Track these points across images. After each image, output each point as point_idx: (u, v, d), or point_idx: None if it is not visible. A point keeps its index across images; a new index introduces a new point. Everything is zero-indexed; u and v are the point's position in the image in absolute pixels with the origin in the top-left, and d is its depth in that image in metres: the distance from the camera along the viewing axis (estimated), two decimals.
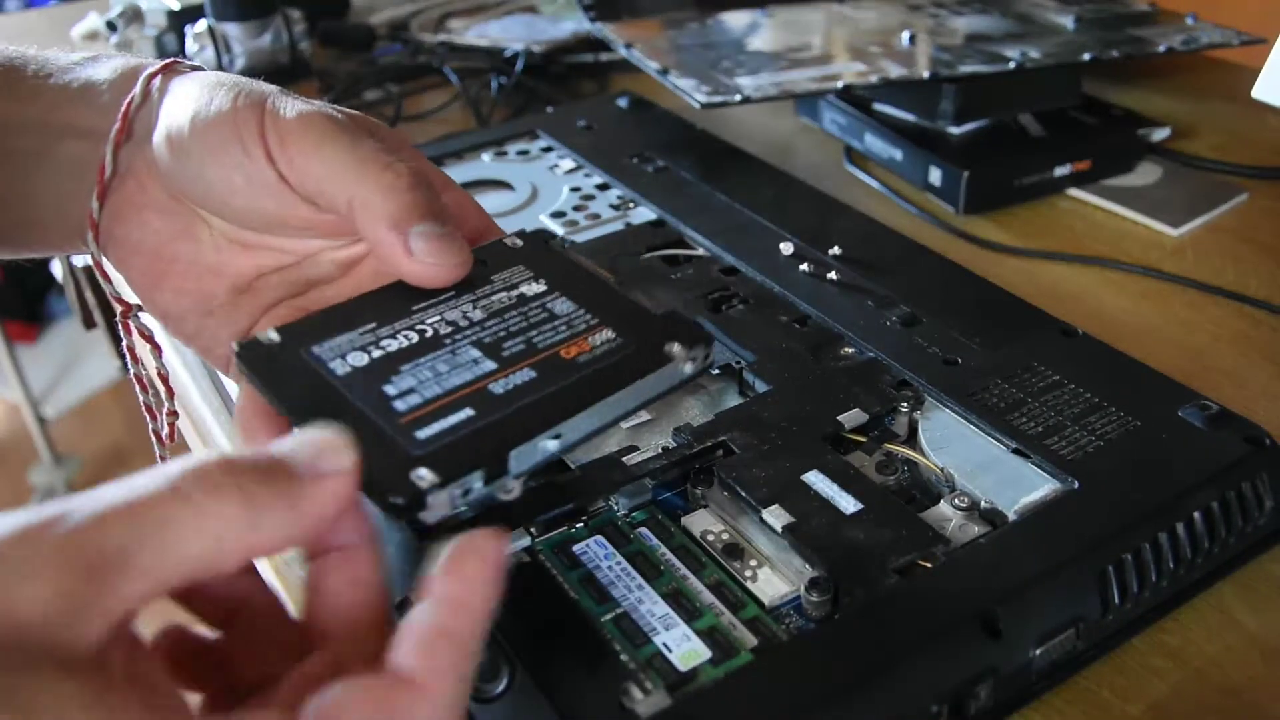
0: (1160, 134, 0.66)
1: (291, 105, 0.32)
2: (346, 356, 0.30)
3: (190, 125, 0.32)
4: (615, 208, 0.56)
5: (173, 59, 0.35)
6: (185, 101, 0.32)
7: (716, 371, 0.44)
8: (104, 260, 0.35)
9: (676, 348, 0.32)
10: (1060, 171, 0.62)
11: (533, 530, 0.35)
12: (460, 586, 0.23)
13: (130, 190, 0.34)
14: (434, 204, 0.32)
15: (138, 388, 0.39)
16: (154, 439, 0.39)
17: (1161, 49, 0.67)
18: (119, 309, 0.37)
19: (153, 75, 0.34)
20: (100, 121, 0.33)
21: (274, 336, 0.31)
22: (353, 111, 0.34)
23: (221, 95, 0.32)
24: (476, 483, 0.27)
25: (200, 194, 0.33)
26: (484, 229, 0.37)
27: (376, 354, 0.30)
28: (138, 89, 0.34)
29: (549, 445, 0.29)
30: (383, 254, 0.31)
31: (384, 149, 0.32)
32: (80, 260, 0.85)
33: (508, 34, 0.86)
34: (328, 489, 0.23)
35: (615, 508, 0.37)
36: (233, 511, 0.21)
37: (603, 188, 0.59)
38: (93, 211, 0.33)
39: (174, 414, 0.39)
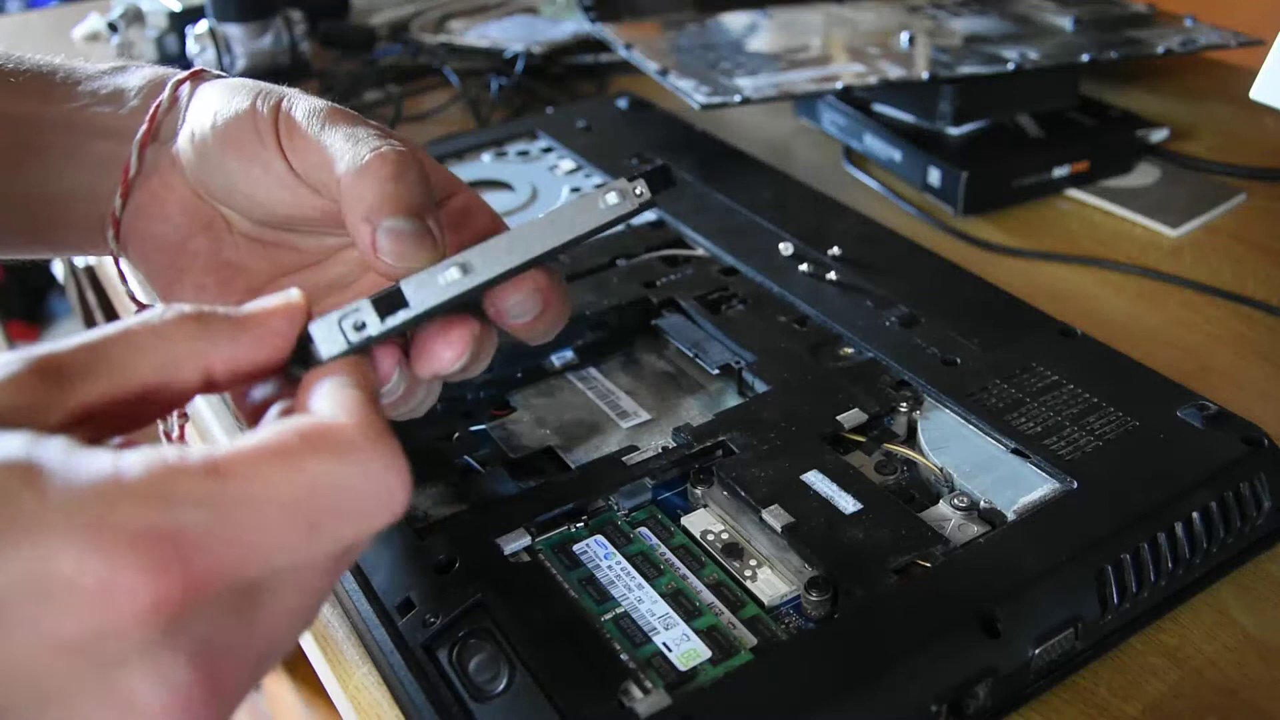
0: (1158, 135, 0.66)
1: (305, 100, 0.33)
2: None
3: (212, 122, 0.33)
4: None
5: (200, 68, 0.36)
6: (209, 103, 0.34)
7: (716, 372, 0.44)
8: (122, 259, 0.36)
9: (624, 181, 0.30)
10: (1059, 172, 0.62)
11: (533, 530, 0.35)
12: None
13: (155, 186, 0.34)
14: (415, 196, 0.31)
15: None
16: (163, 439, 0.39)
17: (1160, 50, 0.67)
18: (134, 308, 0.38)
19: (180, 81, 0.35)
20: (128, 123, 0.35)
21: None
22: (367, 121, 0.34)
23: (242, 95, 0.33)
24: (368, 315, 0.26)
25: (221, 187, 0.33)
26: (493, 234, 0.37)
27: None
28: (165, 94, 0.35)
29: (450, 274, 0.27)
30: (357, 243, 0.31)
31: (381, 134, 0.32)
32: (81, 261, 0.85)
33: (507, 35, 0.86)
34: (278, 311, 0.25)
35: (615, 507, 0.37)
36: (189, 328, 0.24)
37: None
38: (115, 209, 0.34)
39: (184, 415, 0.40)
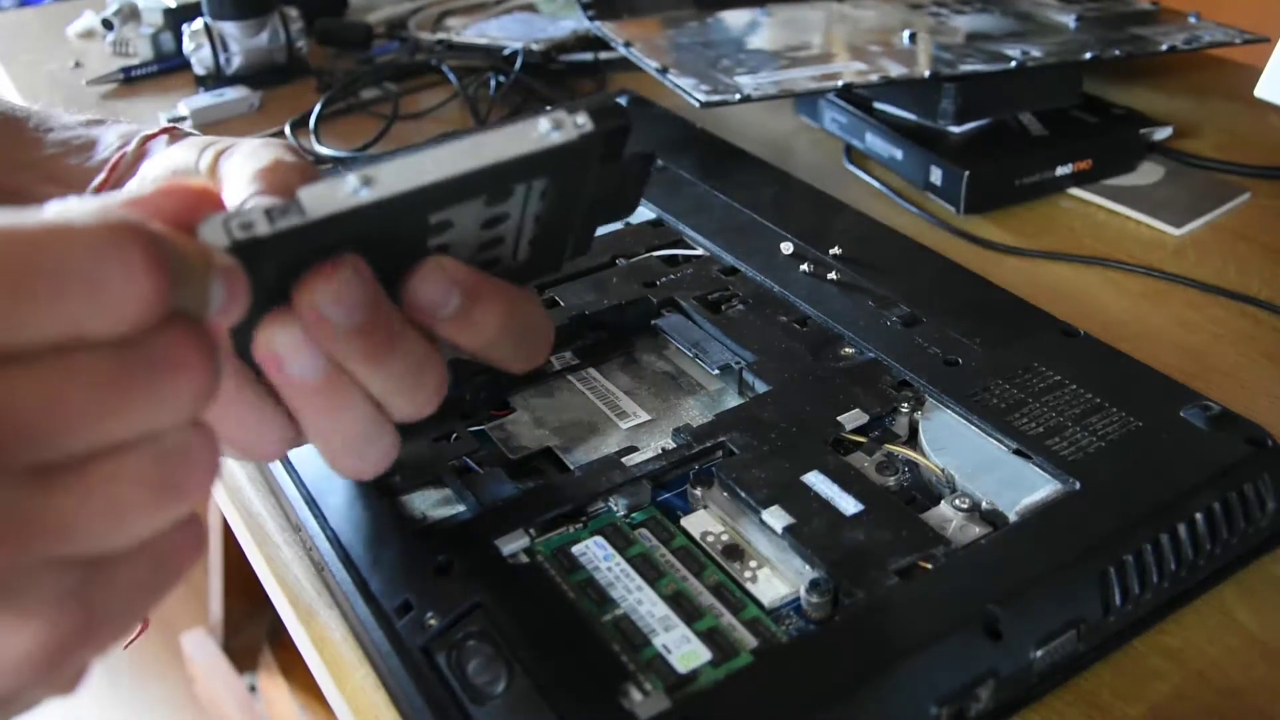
0: (1162, 133, 0.65)
1: (244, 145, 0.32)
2: None
3: (161, 175, 0.33)
4: None
5: (173, 126, 0.36)
6: (166, 158, 0.33)
7: (716, 372, 0.43)
8: None
9: (562, 112, 0.27)
10: (1061, 171, 0.62)
11: (532, 531, 0.35)
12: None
13: None
14: (287, 180, 0.30)
15: None
16: None
17: (1163, 48, 0.67)
18: None
19: (149, 137, 0.35)
20: (93, 175, 0.35)
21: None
22: (304, 158, 0.33)
23: (189, 149, 0.33)
24: (258, 217, 0.24)
25: None
26: None
27: None
28: (131, 146, 0.35)
29: (351, 183, 0.25)
30: None
31: (290, 155, 0.31)
32: None
33: (506, 32, 0.86)
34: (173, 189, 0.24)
35: (615, 509, 0.36)
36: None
37: None
38: None
39: None
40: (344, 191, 0.25)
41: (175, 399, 0.20)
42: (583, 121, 0.27)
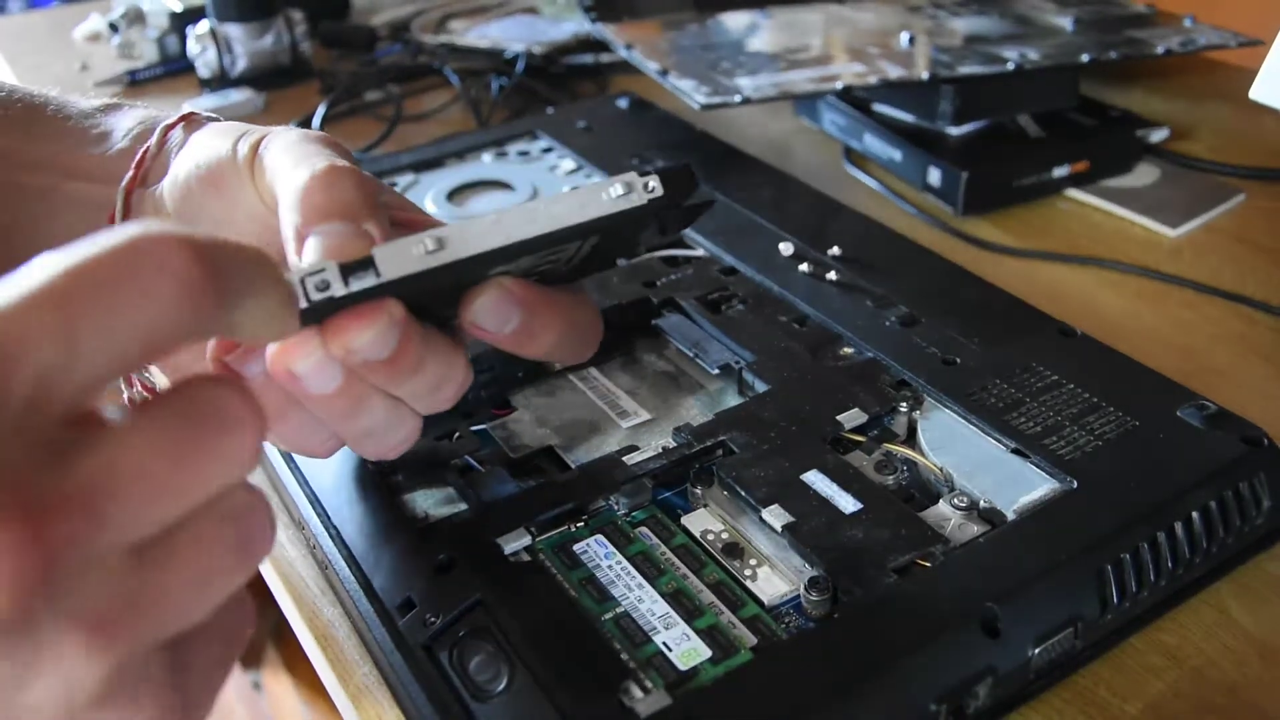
0: (1158, 135, 0.66)
1: (282, 135, 0.32)
2: None
3: (195, 166, 0.33)
4: None
5: (190, 112, 0.36)
6: (195, 148, 0.34)
7: (716, 372, 0.44)
8: None
9: (634, 176, 0.28)
10: (1059, 172, 0.62)
11: (533, 529, 0.35)
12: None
13: None
14: (347, 201, 0.29)
15: None
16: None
17: (1160, 50, 0.67)
18: None
19: (170, 126, 0.35)
20: (113, 167, 0.35)
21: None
22: (347, 152, 0.33)
23: (224, 138, 0.33)
24: (333, 277, 0.25)
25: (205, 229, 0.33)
26: None
27: None
28: (154, 139, 0.35)
29: (425, 245, 0.26)
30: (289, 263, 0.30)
31: (329, 152, 0.31)
32: None
33: (508, 35, 0.87)
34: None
35: (615, 507, 0.37)
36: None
37: None
38: None
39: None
40: (416, 253, 0.26)
41: (236, 455, 0.20)
42: (654, 186, 0.28)
